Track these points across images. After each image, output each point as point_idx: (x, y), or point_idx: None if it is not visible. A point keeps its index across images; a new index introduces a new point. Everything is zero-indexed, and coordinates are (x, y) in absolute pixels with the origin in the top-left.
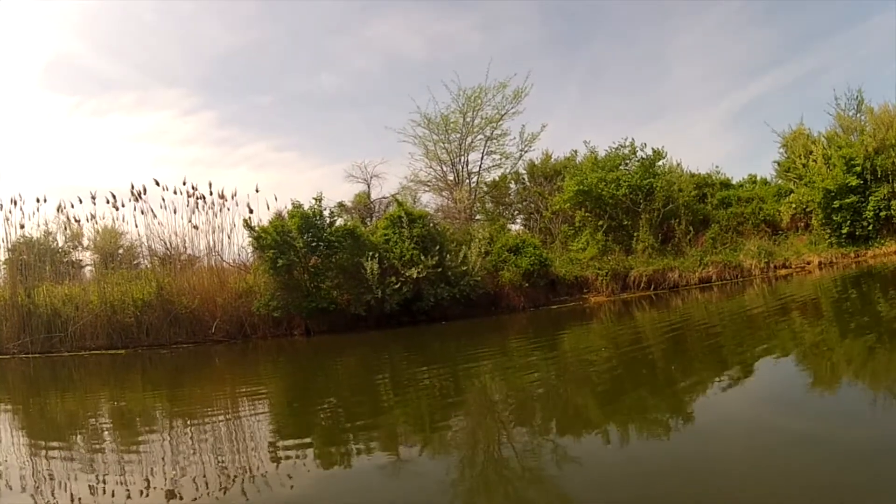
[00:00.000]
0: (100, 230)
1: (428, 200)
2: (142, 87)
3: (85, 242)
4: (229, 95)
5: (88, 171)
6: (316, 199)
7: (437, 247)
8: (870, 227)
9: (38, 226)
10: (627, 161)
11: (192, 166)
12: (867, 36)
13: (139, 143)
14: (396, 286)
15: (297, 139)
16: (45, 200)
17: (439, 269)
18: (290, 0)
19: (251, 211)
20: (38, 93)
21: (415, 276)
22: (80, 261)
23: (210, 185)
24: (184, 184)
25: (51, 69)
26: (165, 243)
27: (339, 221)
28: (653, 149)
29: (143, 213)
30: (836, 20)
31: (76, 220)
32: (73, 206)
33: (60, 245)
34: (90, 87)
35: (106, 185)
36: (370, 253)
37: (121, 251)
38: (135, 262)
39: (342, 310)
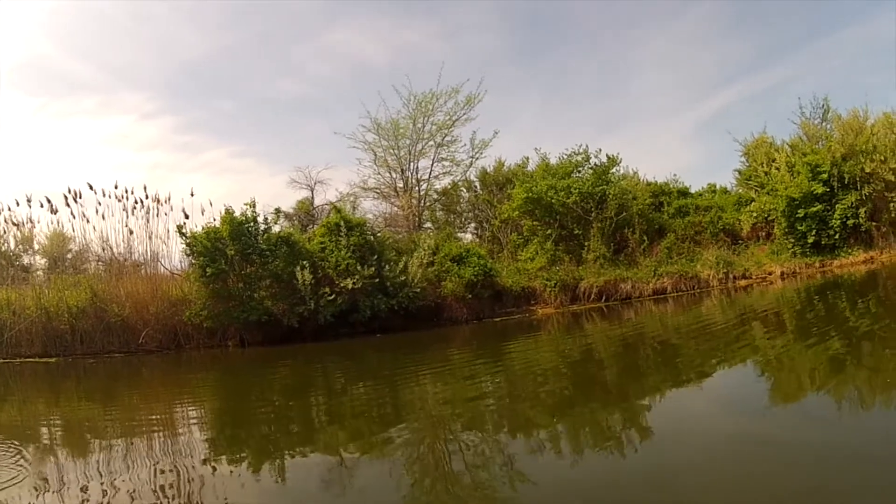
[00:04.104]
0: (48, 234)
1: (370, 207)
2: (106, 89)
3: (35, 246)
4: (193, 100)
5: (50, 173)
6: (248, 205)
7: (376, 256)
8: (836, 236)
9: None
10: (580, 168)
11: (152, 170)
12: (835, 48)
13: (101, 147)
14: (331, 297)
15: (259, 146)
16: None
17: (377, 280)
18: (257, 4)
19: (186, 216)
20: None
21: (350, 286)
22: (31, 265)
23: (145, 188)
24: (115, 187)
25: (20, 69)
26: (111, 248)
27: (276, 228)
28: (607, 155)
29: (74, 216)
30: (804, 31)
31: (14, 224)
32: (10, 210)
33: (12, 248)
34: (56, 88)
35: (66, 188)
36: (303, 262)
37: (69, 255)
38: (83, 267)
39: (278, 320)
